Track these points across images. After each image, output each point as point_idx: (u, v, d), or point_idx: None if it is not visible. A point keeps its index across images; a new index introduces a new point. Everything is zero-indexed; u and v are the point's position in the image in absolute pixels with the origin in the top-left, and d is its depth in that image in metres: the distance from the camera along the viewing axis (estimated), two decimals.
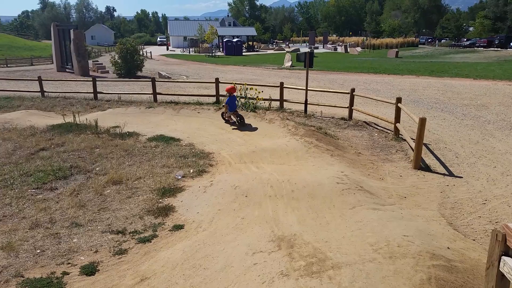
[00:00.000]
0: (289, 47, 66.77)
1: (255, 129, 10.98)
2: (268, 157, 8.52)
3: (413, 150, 8.40)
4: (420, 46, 66.42)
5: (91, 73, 28.27)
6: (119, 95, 16.46)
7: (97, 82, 16.61)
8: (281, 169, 7.72)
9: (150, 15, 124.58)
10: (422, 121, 7.95)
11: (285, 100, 13.72)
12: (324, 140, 9.55)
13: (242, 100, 13.09)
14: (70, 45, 28.05)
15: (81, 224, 5.63)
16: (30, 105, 15.06)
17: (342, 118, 12.41)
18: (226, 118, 11.77)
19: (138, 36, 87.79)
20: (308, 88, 13.12)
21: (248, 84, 13.46)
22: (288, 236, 5.02)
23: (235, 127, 11.27)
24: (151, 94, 15.59)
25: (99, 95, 16.45)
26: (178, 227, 5.59)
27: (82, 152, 8.97)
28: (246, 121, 11.41)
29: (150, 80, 16.15)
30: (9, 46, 56.97)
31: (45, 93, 17.19)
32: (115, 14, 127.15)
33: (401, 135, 10.16)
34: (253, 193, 6.47)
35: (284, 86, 13.63)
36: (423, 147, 8.79)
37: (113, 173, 7.49)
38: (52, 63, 35.67)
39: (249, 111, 12.42)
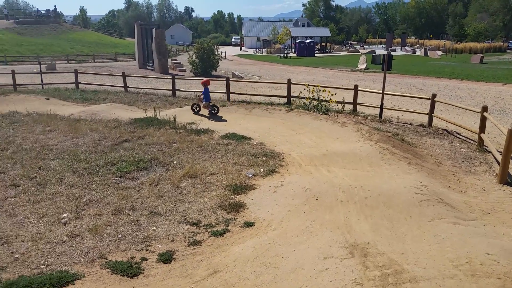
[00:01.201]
0: (364, 49, 64.94)
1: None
2: (340, 161, 8.36)
3: (498, 163, 7.78)
4: (508, 51, 61.05)
5: (170, 71, 29.70)
6: (195, 93, 17.12)
7: (175, 80, 17.43)
8: (353, 174, 7.53)
9: (226, 16, 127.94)
10: (511, 133, 7.31)
11: (359, 104, 13.36)
12: (401, 147, 9.15)
13: (314, 102, 12.97)
14: (152, 43, 29.71)
15: (159, 213, 5.95)
16: (114, 99, 16.18)
17: (421, 125, 11.81)
18: (195, 110, 13.21)
19: (214, 37, 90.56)
20: (385, 92, 12.65)
21: (321, 86, 13.30)
22: (361, 244, 4.88)
23: (208, 117, 12.60)
24: (225, 93, 16.00)
25: (177, 92, 17.23)
26: (249, 224, 5.68)
27: (161, 145, 9.46)
28: (317, 123, 11.30)
29: (224, 79, 16.59)
30: (97, 43, 61.72)
31: (128, 88, 18.38)
32: (193, 14, 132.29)
33: (486, 146, 9.44)
34: (324, 197, 6.38)
35: (359, 89, 13.28)
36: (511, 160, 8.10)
37: (189, 167, 7.81)
38: (135, 60, 38.05)
39: (321, 113, 12.28)
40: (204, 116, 12.82)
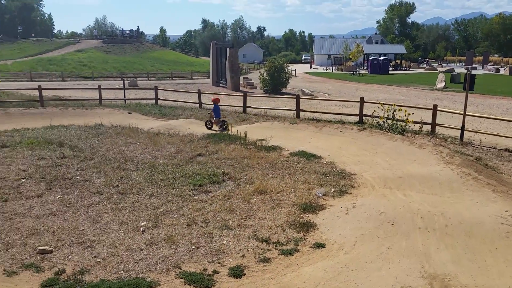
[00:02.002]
0: (442, 67, 61.80)
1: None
2: (417, 185, 7.92)
3: None
4: None
5: (241, 88, 30.54)
6: (265, 110, 17.37)
7: (246, 97, 17.86)
8: (432, 200, 7.09)
9: (297, 34, 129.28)
10: None
11: (437, 125, 12.65)
12: (485, 172, 8.47)
13: (389, 121, 12.51)
14: (225, 62, 30.83)
15: (231, 228, 6.04)
16: (189, 115, 16.94)
17: (507, 149, 10.88)
18: (208, 126, 13.91)
19: (284, 55, 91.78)
20: (467, 113, 11.87)
21: (396, 105, 12.82)
22: (441, 275, 4.55)
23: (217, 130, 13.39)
24: (295, 110, 16.04)
25: (247, 109, 17.62)
26: (319, 245, 5.56)
27: (232, 160, 9.67)
28: (392, 144, 10.86)
29: (294, 97, 16.66)
30: (175, 62, 65.40)
31: (202, 104, 19.16)
32: (265, 33, 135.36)
33: None
34: (400, 222, 6.07)
35: (438, 109, 12.60)
36: None
37: (258, 183, 7.88)
38: (209, 77, 39.69)
39: (396, 133, 11.80)
40: (216, 131, 13.40)
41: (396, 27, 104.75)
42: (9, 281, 4.68)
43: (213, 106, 14.05)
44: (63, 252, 5.30)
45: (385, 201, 7.00)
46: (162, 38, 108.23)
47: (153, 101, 20.10)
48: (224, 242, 5.61)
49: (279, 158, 9.99)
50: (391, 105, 12.89)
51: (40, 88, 18.02)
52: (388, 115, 12.63)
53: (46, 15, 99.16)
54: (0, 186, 7.73)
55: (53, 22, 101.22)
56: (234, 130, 12.65)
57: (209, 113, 14.41)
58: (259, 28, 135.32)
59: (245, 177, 8.44)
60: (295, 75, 47.21)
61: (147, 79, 45.00)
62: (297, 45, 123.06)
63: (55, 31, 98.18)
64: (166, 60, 64.76)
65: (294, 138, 12.49)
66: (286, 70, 28.96)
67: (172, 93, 22.59)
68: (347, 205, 6.85)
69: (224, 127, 13.58)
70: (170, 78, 46.76)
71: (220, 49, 32.88)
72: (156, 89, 20.45)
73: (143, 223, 6.14)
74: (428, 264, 4.89)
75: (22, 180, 8.07)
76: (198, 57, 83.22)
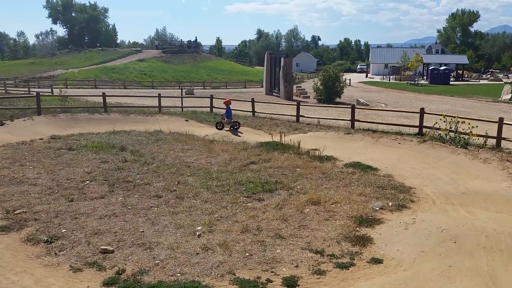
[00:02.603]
0: (508, 78, 58.03)
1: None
2: (482, 201, 7.46)
3: None
4: None
5: (294, 97, 30.51)
6: (318, 119, 17.19)
7: (300, 106, 17.79)
8: (498, 218, 6.64)
9: (353, 43, 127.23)
10: None
11: (503, 138, 11.84)
12: None
13: (452, 134, 11.89)
14: (279, 71, 31.01)
15: (284, 237, 6.02)
16: (243, 123, 17.12)
17: None
18: (219, 127, 15.18)
19: (339, 64, 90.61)
20: None
21: (459, 117, 12.18)
22: None
23: (227, 130, 14.75)
24: (349, 120, 15.72)
25: (300, 118, 17.53)
26: (376, 261, 5.38)
27: (285, 169, 9.65)
28: (454, 158, 10.32)
29: (349, 106, 16.38)
30: (229, 71, 66.80)
31: (255, 113, 19.34)
32: (319, 42, 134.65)
33: None
34: (464, 241, 5.74)
35: (504, 122, 11.80)
36: None
37: (312, 193, 7.79)
38: (262, 86, 40.08)
39: (458, 147, 11.20)
40: (228, 131, 14.69)
41: (458, 36, 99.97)
42: (75, 277, 4.96)
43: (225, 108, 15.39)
44: (124, 252, 5.54)
45: (447, 218, 6.66)
46: (218, 48, 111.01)
47: (208, 109, 20.60)
48: (277, 251, 5.59)
49: (333, 168, 9.83)
50: (454, 116, 12.27)
51: (104, 95, 19.10)
52: (450, 127, 12.03)
53: (111, 26, 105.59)
54: (67, 186, 8.25)
55: (116, 33, 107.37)
56: (287, 139, 12.62)
57: (221, 115, 15.80)
58: (313, 37, 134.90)
59: (298, 187, 8.38)
60: (350, 85, 46.41)
61: (202, 87, 46.28)
62: (352, 54, 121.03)
63: (118, 41, 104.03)
64: (221, 70, 66.33)
65: (348, 148, 12.25)
66: (341, 79, 28.56)
67: None
68: (406, 220, 6.58)
69: (236, 127, 14.93)
70: (225, 87, 47.76)
71: (274, 59, 33.14)
72: (211, 97, 20.95)
73: (198, 228, 6.28)
74: (494, 286, 4.58)
75: (87, 181, 8.57)
76: (252, 67, 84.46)
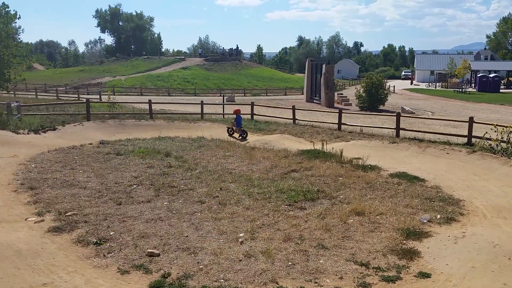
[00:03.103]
0: None
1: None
2: None
3: None
4: None
5: (335, 104, 30.15)
6: (361, 127, 16.87)
7: (342, 113, 17.54)
8: None
9: (397, 49, 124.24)
10: None
11: None
12: None
13: (503, 144, 11.30)
14: (320, 78, 30.79)
15: (327, 247, 5.93)
16: (283, 130, 17.15)
17: None
18: (230, 133, 15.73)
19: (382, 70, 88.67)
20: None
21: None
22: None
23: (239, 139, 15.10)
24: (394, 129, 15.33)
25: (342, 126, 17.29)
26: (424, 275, 5.18)
27: (327, 178, 9.53)
28: (507, 170, 9.79)
29: (393, 114, 15.97)
30: (270, 78, 67.07)
31: (296, 120, 19.28)
32: (362, 49, 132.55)
33: None
34: None
35: None
36: None
37: (356, 203, 7.64)
38: (302, 94, 39.91)
39: (511, 158, 10.63)
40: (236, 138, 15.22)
41: (510, 41, 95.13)
42: (122, 279, 5.12)
43: (235, 116, 15.87)
44: (169, 256, 5.66)
45: (499, 233, 6.31)
46: (258, 56, 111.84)
47: (249, 116, 20.76)
48: (320, 261, 5.51)
49: (377, 178, 9.60)
50: (506, 126, 11.67)
51: (150, 102, 19.74)
52: (502, 138, 11.45)
53: (156, 35, 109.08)
54: (115, 190, 8.56)
55: (161, 41, 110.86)
56: (328, 147, 12.46)
57: (232, 122, 16.21)
58: (355, 43, 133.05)
59: (341, 196, 8.25)
60: (394, 92, 45.25)
61: (243, 95, 46.75)
62: (396, 61, 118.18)
63: (163, 50, 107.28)
64: (262, 77, 66.71)
65: (393, 158, 11.94)
66: (385, 86, 27.93)
67: (266, 108, 23.14)
68: (456, 234, 6.30)
69: (244, 136, 15.24)
70: (265, 94, 48.00)
71: (315, 66, 32.96)
72: (252, 104, 21.11)
73: (241, 234, 6.31)
74: None
75: (134, 186, 8.86)
76: (292, 74, 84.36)
